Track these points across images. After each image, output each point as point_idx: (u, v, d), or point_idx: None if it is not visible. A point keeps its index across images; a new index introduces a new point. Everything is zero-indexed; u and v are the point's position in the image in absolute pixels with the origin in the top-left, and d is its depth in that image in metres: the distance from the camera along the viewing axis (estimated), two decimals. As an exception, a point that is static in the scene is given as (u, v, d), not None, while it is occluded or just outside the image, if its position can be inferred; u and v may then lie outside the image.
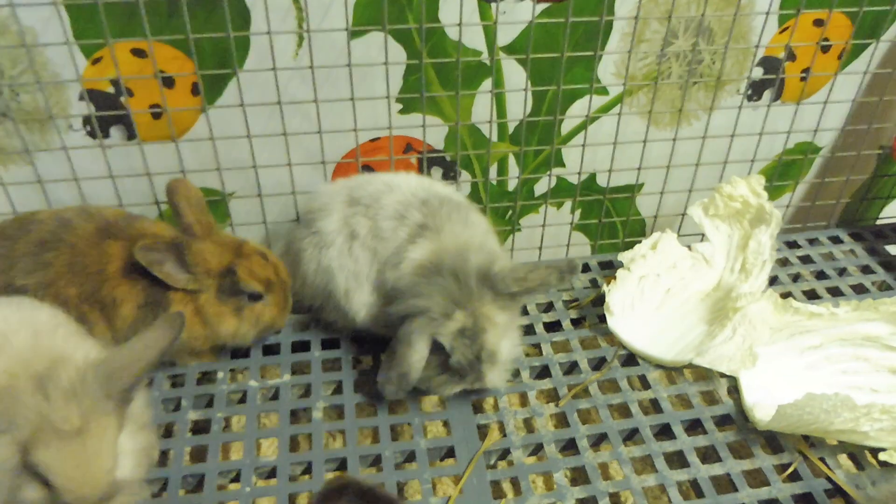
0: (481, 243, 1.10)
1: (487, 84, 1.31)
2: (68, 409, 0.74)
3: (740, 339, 1.14)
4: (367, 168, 1.38)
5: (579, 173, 1.40)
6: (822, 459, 1.05)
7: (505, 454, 1.07)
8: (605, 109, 1.37)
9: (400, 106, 1.32)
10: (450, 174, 1.40)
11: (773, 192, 1.54)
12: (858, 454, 1.05)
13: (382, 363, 1.07)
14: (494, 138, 1.38)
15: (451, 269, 1.04)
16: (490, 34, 1.25)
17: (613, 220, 1.50)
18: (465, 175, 1.41)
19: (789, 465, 1.04)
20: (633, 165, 1.41)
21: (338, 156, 1.36)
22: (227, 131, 1.26)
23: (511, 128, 1.37)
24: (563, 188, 1.45)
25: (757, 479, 1.03)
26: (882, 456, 1.02)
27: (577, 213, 1.49)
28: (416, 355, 1.03)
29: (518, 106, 1.34)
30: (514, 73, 1.30)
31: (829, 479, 1.02)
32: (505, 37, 1.27)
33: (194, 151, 1.29)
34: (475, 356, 1.05)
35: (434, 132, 1.35)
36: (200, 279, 1.08)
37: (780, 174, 1.52)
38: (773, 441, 1.08)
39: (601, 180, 1.45)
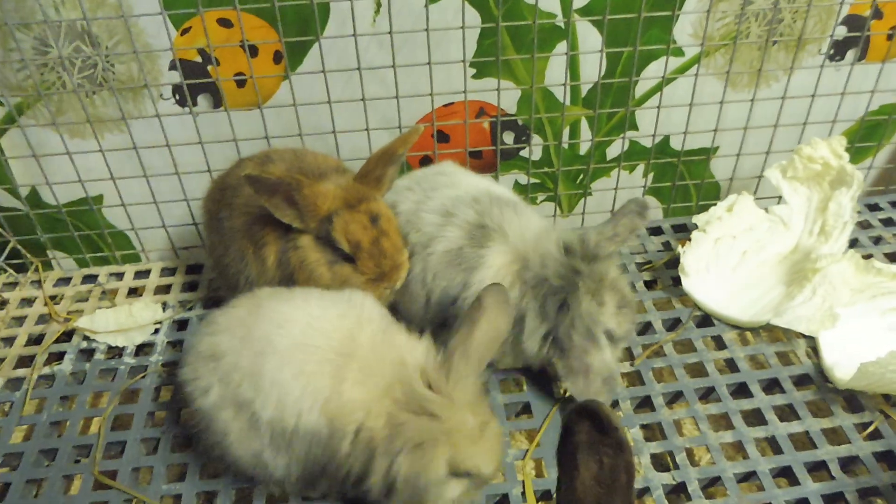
0: (547, 229, 1.08)
1: (562, 47, 1.31)
2: (460, 413, 0.83)
3: (820, 300, 1.13)
4: (441, 134, 1.40)
5: (654, 136, 1.39)
6: (901, 418, 1.05)
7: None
8: (682, 71, 1.36)
9: (474, 70, 1.34)
10: (521, 138, 1.42)
11: (856, 154, 1.50)
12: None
13: (564, 377, 1.02)
14: (568, 101, 1.38)
15: (549, 266, 1.01)
16: (567, -4, 1.26)
17: (687, 183, 1.49)
18: (537, 139, 1.42)
19: (870, 423, 1.04)
20: (708, 127, 1.39)
21: (413, 120, 1.39)
22: (308, 97, 1.30)
23: (584, 91, 1.38)
24: (636, 151, 1.45)
25: (836, 437, 1.03)
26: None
27: (650, 176, 1.49)
28: (606, 352, 1.01)
29: (592, 68, 1.34)
30: (590, 36, 1.30)
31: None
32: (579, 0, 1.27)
33: (277, 117, 1.33)
34: (633, 319, 1.04)
35: (507, 96, 1.37)
36: (307, 220, 1.03)
37: (862, 136, 1.48)
38: (852, 400, 1.08)
39: (675, 143, 1.44)
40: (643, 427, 1.06)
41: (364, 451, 0.84)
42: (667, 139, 1.44)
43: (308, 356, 0.86)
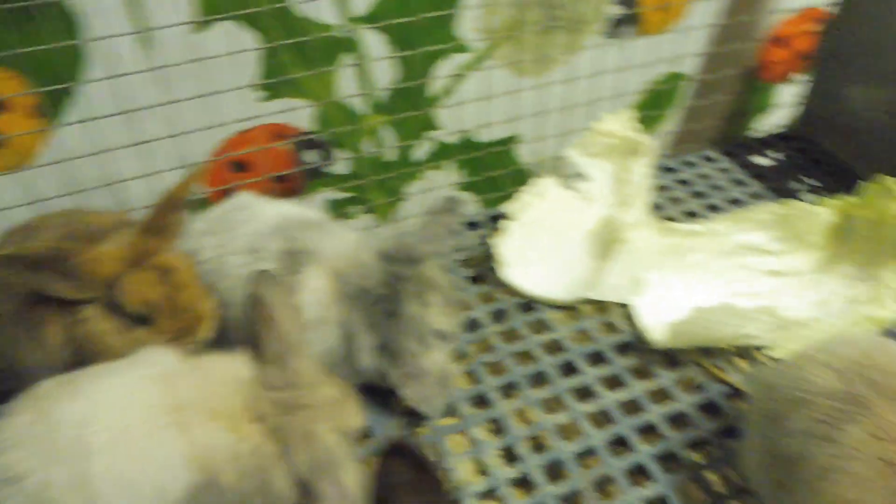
0: (362, 240, 1.06)
1: (349, 58, 1.29)
2: (318, 391, 0.81)
3: (628, 268, 1.17)
4: (239, 165, 1.34)
5: (457, 132, 1.40)
6: (718, 366, 1.10)
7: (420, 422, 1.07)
8: (472, 66, 1.38)
9: (266, 93, 1.29)
10: (326, 154, 1.38)
11: (648, 122, 1.59)
12: (749, 355, 1.11)
13: (400, 385, 1.00)
14: (366, 111, 1.36)
15: (369, 277, 1.00)
16: (344, 4, 1.23)
17: (498, 173, 1.51)
18: (342, 153, 1.39)
19: (690, 378, 1.09)
20: (507, 117, 1.42)
21: (209, 154, 1.31)
22: (88, 148, 1.19)
23: (382, 97, 1.36)
24: (443, 150, 1.46)
25: (662, 396, 1.07)
26: (769, 352, 1.08)
27: (461, 172, 1.50)
28: (438, 353, 1.01)
29: (384, 75, 1.32)
30: (376, 43, 1.29)
31: (727, 384, 1.08)
32: (359, 7, 1.25)
33: (52, 176, 1.21)
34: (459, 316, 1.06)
35: (305, 114, 1.33)
36: (86, 289, 0.92)
37: (651, 105, 1.57)
38: (672, 358, 1.12)
39: (479, 136, 1.46)
40: (484, 423, 1.05)
41: (256, 475, 0.77)
42: (472, 134, 1.45)
43: (136, 434, 0.76)
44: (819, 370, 0.80)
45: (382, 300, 0.98)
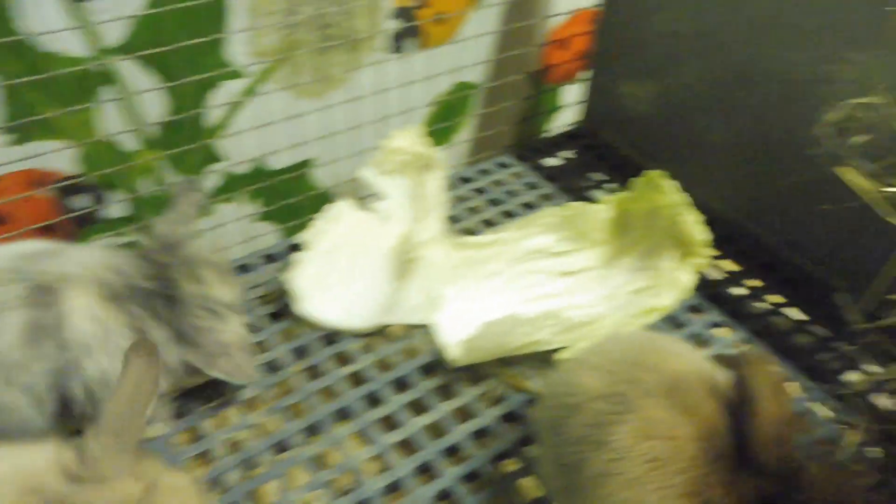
0: (109, 249, 1.02)
1: (110, 92, 1.18)
2: (118, 488, 0.68)
3: (423, 288, 1.16)
4: (-7, 216, 1.19)
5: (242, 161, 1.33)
6: (518, 376, 1.12)
7: (218, 479, 1.00)
8: (248, 92, 1.31)
9: (13, 136, 1.15)
10: (97, 198, 1.26)
11: (442, 134, 1.60)
12: (546, 360, 1.13)
13: (208, 368, 0.98)
14: (136, 147, 1.26)
15: (133, 275, 0.96)
16: (93, 35, 1.12)
17: (292, 201, 1.45)
18: (115, 196, 1.28)
19: (492, 392, 1.10)
20: (295, 142, 1.37)
21: (-50, 211, 1.16)
22: None
23: (153, 132, 1.26)
24: (232, 182, 1.38)
25: (465, 414, 1.07)
26: (559, 355, 1.10)
27: (257, 203, 1.43)
28: (233, 322, 1.02)
29: (153, 108, 1.23)
30: (138, 74, 1.19)
31: (526, 391, 1.09)
32: (110, 37, 1.14)
33: None
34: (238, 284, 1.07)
35: (66, 156, 1.20)
36: None
37: (442, 117, 1.58)
38: (475, 374, 1.13)
39: (270, 164, 1.40)
40: (290, 469, 1.00)
41: None
42: (261, 162, 1.39)
43: None
44: (588, 373, 0.81)
45: (158, 292, 0.97)
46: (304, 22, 1.30)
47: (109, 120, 1.21)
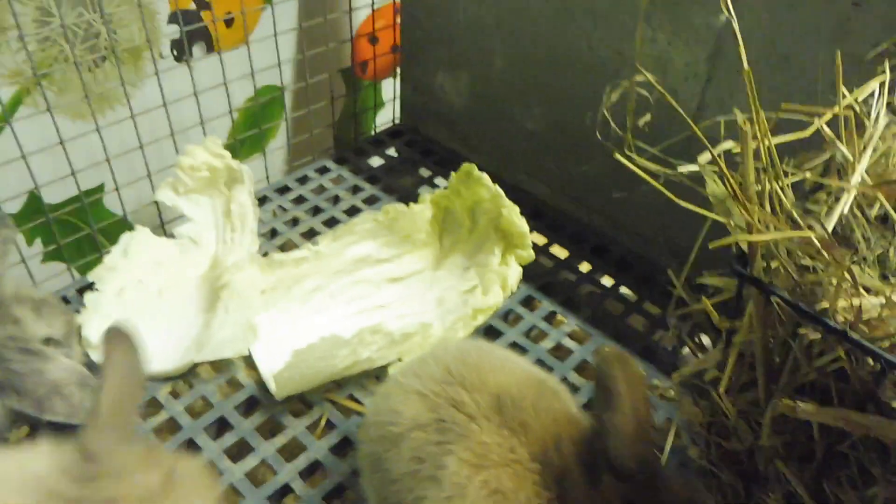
0: None
1: None
2: (132, 480, 0.62)
3: (234, 316, 1.05)
4: None
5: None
6: (351, 397, 1.04)
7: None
8: (8, 115, 1.13)
9: None
10: None
11: (252, 143, 1.48)
12: (379, 375, 1.06)
13: (41, 413, 0.85)
14: None
15: None
16: None
17: (80, 235, 1.29)
18: None
19: (322, 418, 1.01)
20: (80, 167, 1.20)
21: None
22: None
23: None
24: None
25: (293, 450, 0.98)
26: (391, 368, 1.04)
27: (38, 242, 1.25)
28: (60, 359, 0.87)
29: None
30: None
31: (360, 414, 1.02)
32: None
33: None
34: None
35: None
36: None
37: (250, 124, 1.46)
38: (303, 402, 1.04)
39: (48, 196, 1.22)
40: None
41: None
42: (34, 196, 1.21)
43: None
44: (406, 399, 0.74)
45: None
46: (59, 35, 1.14)
47: None
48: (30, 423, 0.89)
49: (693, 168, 0.72)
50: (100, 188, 1.29)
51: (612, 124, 0.68)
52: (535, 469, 0.68)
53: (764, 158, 0.63)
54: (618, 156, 0.64)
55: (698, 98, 1.06)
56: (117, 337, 0.72)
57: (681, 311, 0.81)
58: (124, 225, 1.31)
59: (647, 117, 0.74)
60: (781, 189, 0.63)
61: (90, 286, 1.15)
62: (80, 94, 1.17)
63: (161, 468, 0.67)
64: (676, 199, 0.63)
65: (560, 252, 1.32)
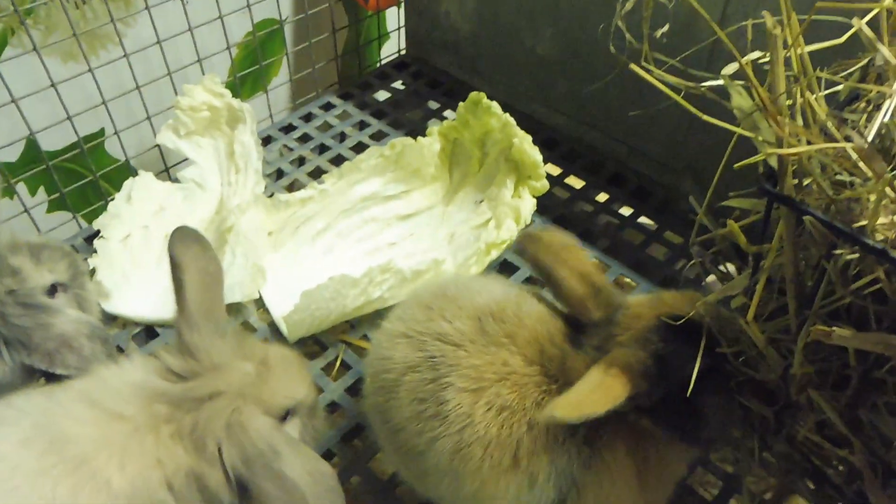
0: None
1: None
2: (232, 370, 0.68)
3: (243, 259, 1.03)
4: None
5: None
6: (365, 337, 1.02)
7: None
8: (-4, 59, 1.09)
9: None
10: None
11: (253, 81, 1.43)
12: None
13: (53, 366, 0.82)
14: None
15: None
16: None
17: (84, 182, 1.26)
18: None
19: (336, 360, 0.99)
20: (77, 112, 1.16)
21: None
22: None
23: None
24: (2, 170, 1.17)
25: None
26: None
27: (41, 191, 1.23)
28: (65, 311, 0.85)
29: None
30: None
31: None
32: None
33: None
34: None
35: None
36: None
37: (250, 61, 1.40)
38: (316, 343, 1.02)
39: (46, 143, 1.19)
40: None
41: (192, 491, 0.64)
42: (32, 143, 1.17)
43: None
44: (393, 344, 0.72)
45: None
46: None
47: None
48: (45, 376, 0.88)
49: (717, 81, 0.67)
50: (100, 133, 1.26)
51: (628, 35, 0.62)
52: (533, 372, 0.68)
53: (795, 66, 0.58)
54: (634, 67, 0.59)
55: (721, 8, 0.99)
56: (187, 237, 0.75)
57: (704, 237, 0.77)
58: (127, 170, 1.28)
59: (665, 28, 0.68)
60: (815, 99, 0.58)
61: (97, 234, 1.14)
62: (68, 32, 1.12)
63: (255, 357, 0.72)
64: (699, 113, 0.58)
65: (575, 182, 1.28)
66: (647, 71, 0.59)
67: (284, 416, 0.71)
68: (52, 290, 0.87)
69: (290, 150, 1.34)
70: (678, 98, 0.59)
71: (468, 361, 0.67)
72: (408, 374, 0.69)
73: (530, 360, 0.68)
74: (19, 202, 1.18)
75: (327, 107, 1.43)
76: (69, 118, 1.14)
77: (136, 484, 0.62)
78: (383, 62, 1.59)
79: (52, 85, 1.09)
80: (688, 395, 0.61)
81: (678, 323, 0.64)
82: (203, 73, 1.27)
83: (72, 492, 0.60)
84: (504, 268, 1.11)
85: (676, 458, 0.71)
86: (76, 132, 1.17)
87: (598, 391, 0.62)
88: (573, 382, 0.63)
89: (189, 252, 0.74)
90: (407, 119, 1.40)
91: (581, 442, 0.67)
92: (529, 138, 1.09)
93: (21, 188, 1.21)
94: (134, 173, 1.20)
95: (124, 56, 1.17)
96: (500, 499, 0.67)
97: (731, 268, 0.85)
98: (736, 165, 0.62)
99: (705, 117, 0.59)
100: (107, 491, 0.61)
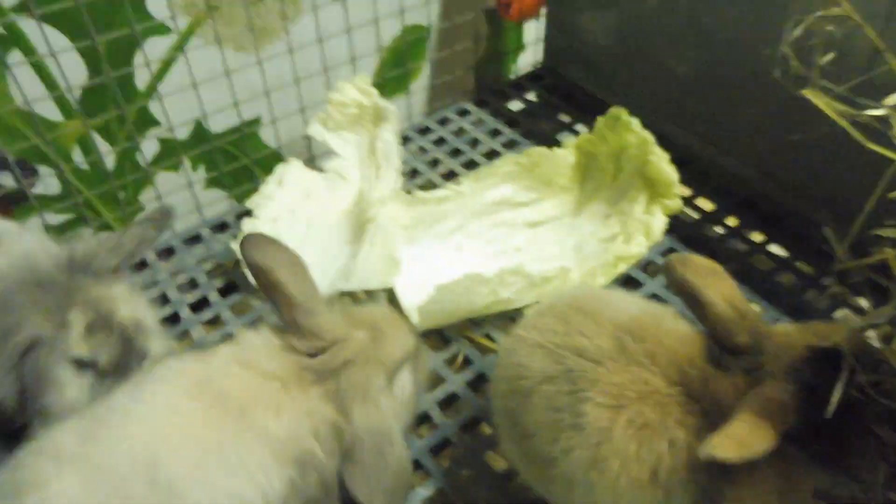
0: (43, 243, 0.89)
1: (15, 56, 1.08)
2: (351, 339, 0.77)
3: (379, 249, 1.09)
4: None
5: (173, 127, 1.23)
6: (487, 336, 1.06)
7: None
8: (177, 48, 1.21)
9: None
10: (22, 174, 1.17)
11: (397, 82, 1.50)
12: (515, 317, 1.07)
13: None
14: (59, 117, 1.16)
15: (22, 278, 0.83)
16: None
17: (239, 164, 1.36)
18: (49, 169, 1.19)
19: (459, 354, 1.04)
20: (238, 99, 1.27)
21: None
22: None
23: (74, 98, 1.16)
24: (171, 148, 1.28)
25: (433, 381, 1.01)
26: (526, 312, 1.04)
27: (202, 169, 1.34)
28: (72, 390, 0.81)
29: (71, 72, 1.12)
30: (50, 34, 1.08)
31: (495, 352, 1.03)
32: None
33: None
34: (122, 339, 0.85)
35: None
36: None
37: (395, 63, 1.48)
38: (442, 337, 1.07)
39: (212, 125, 1.30)
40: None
41: (333, 441, 0.73)
42: (200, 124, 1.29)
43: (211, 459, 0.67)
44: (530, 353, 0.74)
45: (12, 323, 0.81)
46: (234, -32, 1.19)
47: (24, 87, 1.10)
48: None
49: (880, 111, 0.66)
50: (257, 120, 1.36)
51: (794, 61, 0.63)
52: (675, 392, 0.68)
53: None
54: (807, 93, 0.60)
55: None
56: (259, 242, 0.81)
57: (843, 265, 0.76)
58: (278, 156, 1.38)
59: (831, 56, 0.68)
60: None
61: (247, 213, 1.23)
62: (243, 25, 1.23)
63: (364, 323, 0.80)
64: (866, 142, 0.58)
65: (705, 204, 1.27)
66: (817, 96, 0.60)
67: (398, 370, 0.80)
68: (80, 363, 0.83)
69: (425, 151, 1.40)
70: (848, 126, 0.59)
71: (608, 379, 0.69)
72: (544, 384, 0.71)
73: (671, 380, 0.69)
74: (184, 176, 1.30)
75: (463, 113, 1.48)
76: (235, 104, 1.25)
77: (290, 429, 0.71)
78: (520, 73, 1.63)
79: (227, 73, 1.20)
80: (830, 417, 0.61)
81: (830, 352, 0.64)
82: (354, 72, 1.36)
83: (237, 436, 0.69)
84: (628, 283, 1.12)
85: (816, 483, 0.71)
86: (240, 117, 1.27)
87: (756, 432, 0.62)
88: (718, 404, 0.64)
89: (269, 254, 0.80)
90: (538, 130, 1.43)
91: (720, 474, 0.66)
92: (667, 157, 1.10)
93: (185, 164, 1.33)
94: (282, 160, 1.29)
95: (288, 52, 1.27)
96: None
97: (863, 302, 0.83)
98: (892, 194, 0.61)
99: (870, 145, 0.59)
100: (266, 435, 0.70)
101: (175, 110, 1.23)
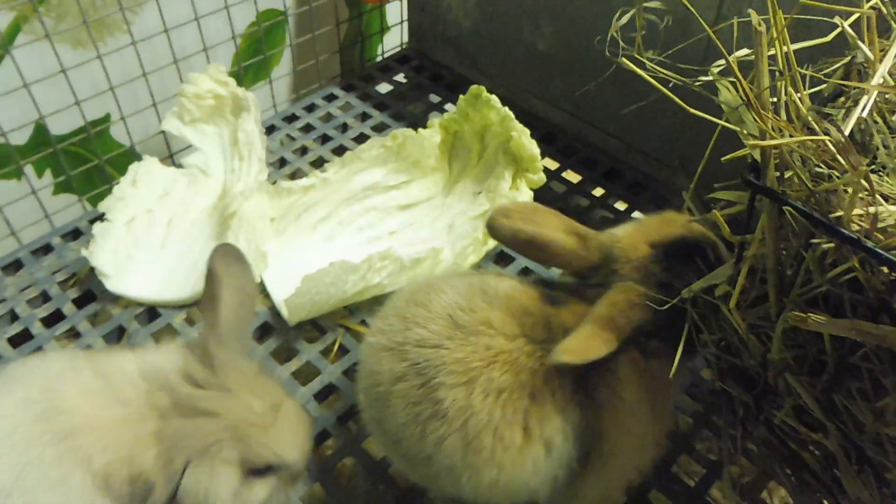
0: None
1: None
2: (240, 401, 0.67)
3: (245, 244, 1.05)
4: None
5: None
6: (363, 322, 1.05)
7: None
8: (8, 43, 1.11)
9: None
10: None
11: (256, 70, 1.45)
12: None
13: None
14: None
15: None
16: None
17: (89, 166, 1.28)
18: None
19: (335, 344, 1.02)
20: (84, 98, 1.18)
21: None
22: None
23: None
24: (8, 153, 1.18)
25: (307, 374, 0.99)
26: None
27: (47, 174, 1.25)
28: None
29: None
30: None
31: (372, 339, 1.02)
32: None
33: None
34: None
35: None
36: None
37: (253, 51, 1.43)
38: (315, 327, 1.04)
39: (56, 127, 1.21)
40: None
41: (142, 494, 0.64)
42: (40, 127, 1.20)
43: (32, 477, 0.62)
44: (378, 358, 0.73)
45: None
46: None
47: None
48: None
49: (706, 77, 0.69)
50: (105, 118, 1.28)
51: (622, 43, 0.65)
52: (519, 345, 0.69)
53: (780, 62, 0.60)
54: (624, 61, 0.61)
55: (716, 9, 1.02)
56: (229, 254, 0.76)
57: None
58: (132, 155, 1.30)
59: (665, 23, 0.71)
60: (798, 95, 0.60)
61: (102, 217, 1.16)
62: (78, 20, 1.15)
63: (269, 399, 0.70)
64: (685, 105, 0.60)
65: (572, 177, 1.30)
66: (637, 64, 0.61)
67: (263, 470, 0.69)
68: None
69: (293, 139, 1.37)
70: (666, 91, 0.61)
71: (452, 357, 0.68)
72: (397, 383, 0.70)
73: (512, 335, 0.69)
74: (27, 184, 1.20)
75: (330, 98, 1.45)
76: (77, 103, 1.17)
77: (109, 470, 0.64)
78: (386, 55, 1.62)
79: (63, 71, 1.12)
80: (687, 304, 0.64)
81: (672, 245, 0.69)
82: (208, 62, 1.30)
83: (58, 458, 0.63)
84: (500, 258, 1.13)
85: (674, 385, 0.74)
86: (83, 117, 1.19)
87: (598, 335, 0.64)
88: (567, 335, 0.65)
89: (229, 269, 0.74)
90: (408, 111, 1.42)
91: (593, 389, 0.69)
92: (528, 132, 1.12)
93: (28, 171, 1.23)
94: (138, 158, 1.22)
95: (131, 44, 1.19)
96: (520, 477, 0.69)
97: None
98: (723, 159, 0.64)
99: (691, 110, 0.61)
100: (88, 465, 0.63)
101: (8, 114, 1.14)
